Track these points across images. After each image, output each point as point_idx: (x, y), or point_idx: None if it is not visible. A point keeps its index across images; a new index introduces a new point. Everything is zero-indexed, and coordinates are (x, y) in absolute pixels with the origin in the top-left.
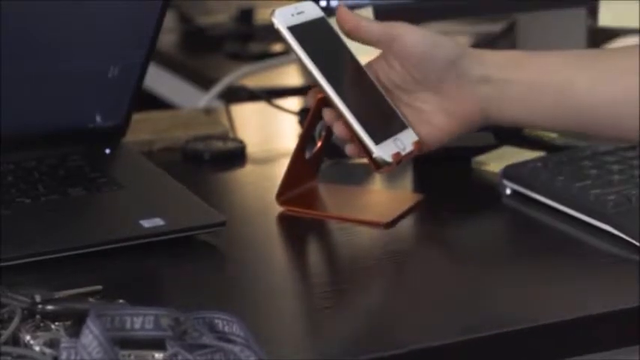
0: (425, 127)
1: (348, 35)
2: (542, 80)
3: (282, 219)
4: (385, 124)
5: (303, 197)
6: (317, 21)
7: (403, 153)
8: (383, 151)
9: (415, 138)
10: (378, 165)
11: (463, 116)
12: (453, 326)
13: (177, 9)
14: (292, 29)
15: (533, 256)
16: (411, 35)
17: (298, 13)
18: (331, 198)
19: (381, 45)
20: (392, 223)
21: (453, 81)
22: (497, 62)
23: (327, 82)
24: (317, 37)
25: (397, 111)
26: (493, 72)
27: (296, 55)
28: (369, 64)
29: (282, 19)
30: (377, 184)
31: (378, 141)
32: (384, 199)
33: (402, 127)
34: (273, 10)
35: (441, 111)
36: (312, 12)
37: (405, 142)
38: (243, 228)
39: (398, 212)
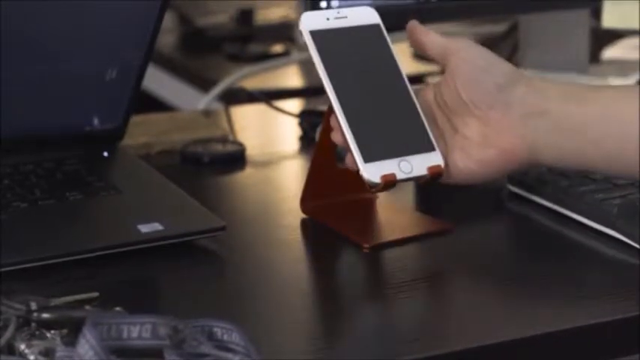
0: (459, 156)
1: (416, 49)
2: (607, 113)
3: (284, 223)
4: (397, 143)
5: (327, 207)
6: (363, 28)
7: (400, 177)
8: (370, 170)
9: (436, 163)
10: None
11: (504, 149)
12: (454, 335)
13: (176, 10)
14: (317, 33)
15: (536, 261)
16: (466, 52)
17: (338, 18)
18: (351, 212)
19: (441, 60)
20: (376, 247)
21: (501, 108)
22: (556, 93)
23: (332, 88)
24: (351, 43)
25: (429, 132)
26: (552, 104)
27: (312, 58)
28: (436, 82)
29: (308, 22)
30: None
31: (371, 158)
32: (406, 221)
33: (425, 149)
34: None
35: (481, 139)
36: (361, 18)
37: (415, 164)
38: (243, 233)
39: (392, 238)
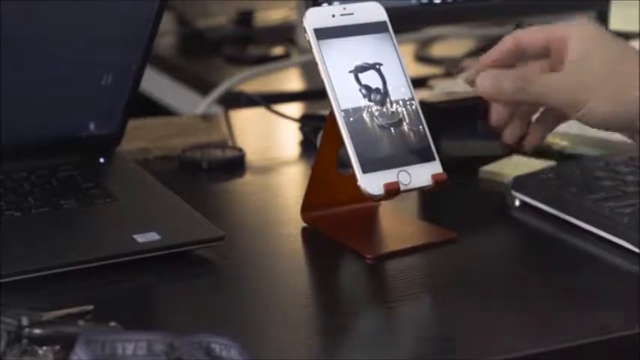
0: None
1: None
2: None
3: (284, 233)
4: (397, 152)
5: (329, 216)
6: (369, 26)
7: (404, 187)
8: (370, 182)
9: (437, 171)
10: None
11: None
12: (458, 348)
13: (174, 11)
14: (321, 31)
15: (543, 272)
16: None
17: (344, 15)
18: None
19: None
20: (379, 258)
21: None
22: None
23: (335, 96)
24: (355, 42)
25: (430, 140)
26: None
27: (314, 56)
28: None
29: (313, 19)
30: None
31: (370, 169)
32: (409, 230)
33: (425, 158)
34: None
35: None
36: (368, 15)
37: (414, 175)
38: (242, 242)
39: (395, 248)
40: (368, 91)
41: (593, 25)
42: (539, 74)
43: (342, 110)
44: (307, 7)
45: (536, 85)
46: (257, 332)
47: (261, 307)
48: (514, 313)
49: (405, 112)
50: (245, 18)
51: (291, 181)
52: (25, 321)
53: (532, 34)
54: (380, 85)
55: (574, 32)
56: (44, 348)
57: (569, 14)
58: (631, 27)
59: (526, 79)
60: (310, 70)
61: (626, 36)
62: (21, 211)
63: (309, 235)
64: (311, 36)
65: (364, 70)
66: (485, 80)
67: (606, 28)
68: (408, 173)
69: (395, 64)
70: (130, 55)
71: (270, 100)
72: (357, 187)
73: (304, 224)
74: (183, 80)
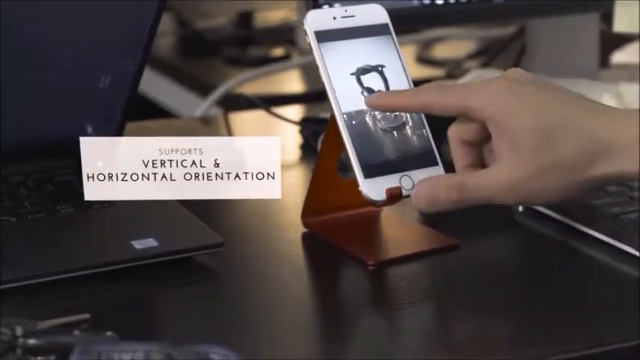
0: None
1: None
2: None
3: (284, 238)
4: (399, 157)
5: (329, 221)
6: (370, 28)
7: (406, 192)
8: (371, 187)
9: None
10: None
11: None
12: (462, 356)
13: (174, 12)
14: (322, 33)
15: (547, 279)
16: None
17: (345, 17)
18: (355, 226)
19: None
20: (380, 264)
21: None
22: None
23: (336, 100)
24: (357, 45)
25: (433, 145)
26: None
27: (315, 60)
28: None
29: (314, 21)
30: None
31: (371, 174)
32: (411, 236)
33: (428, 163)
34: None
35: None
36: (370, 18)
37: (418, 180)
38: (242, 248)
39: (397, 254)
40: (370, 93)
41: (506, 81)
42: (473, 176)
43: (343, 113)
44: (307, 8)
45: (473, 192)
46: (257, 338)
47: (261, 313)
48: (516, 321)
49: (408, 116)
50: (245, 19)
51: (291, 185)
52: (19, 330)
53: (441, 98)
54: (382, 88)
55: (487, 105)
56: (39, 358)
57: (572, 15)
58: (636, 28)
59: (460, 187)
60: (311, 72)
61: (626, 37)
62: (17, 217)
63: (309, 240)
64: (312, 39)
65: (366, 72)
66: (420, 198)
67: (608, 29)
68: (411, 178)
69: (397, 67)
70: (129, 57)
71: (270, 102)
72: (359, 192)
73: (304, 229)
74: (183, 82)
